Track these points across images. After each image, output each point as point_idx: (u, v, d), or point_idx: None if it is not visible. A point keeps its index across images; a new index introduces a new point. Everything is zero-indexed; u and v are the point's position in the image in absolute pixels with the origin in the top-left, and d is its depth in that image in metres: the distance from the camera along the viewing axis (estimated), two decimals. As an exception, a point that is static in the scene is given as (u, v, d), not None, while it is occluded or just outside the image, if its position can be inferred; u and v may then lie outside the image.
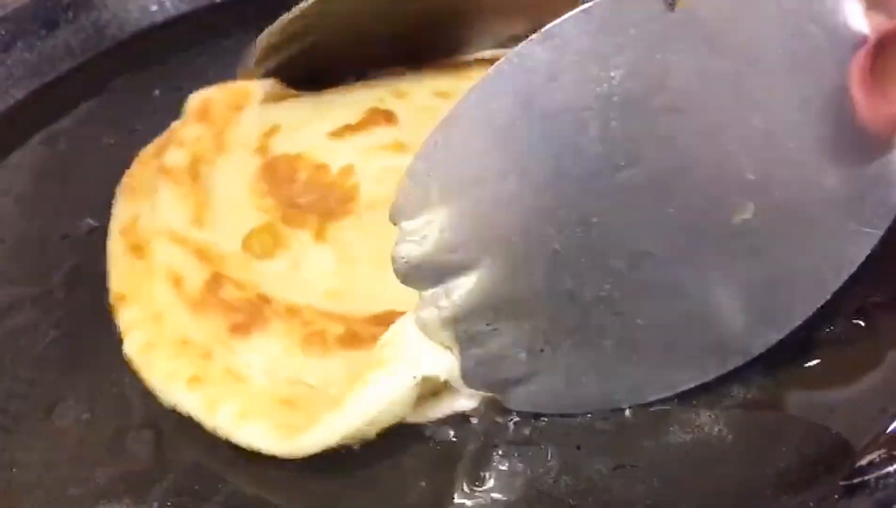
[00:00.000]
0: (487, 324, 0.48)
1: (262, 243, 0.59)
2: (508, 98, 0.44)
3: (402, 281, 0.48)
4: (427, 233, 0.47)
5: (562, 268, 0.47)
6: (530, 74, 0.43)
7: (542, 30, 0.43)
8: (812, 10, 0.43)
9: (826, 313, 0.50)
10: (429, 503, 0.49)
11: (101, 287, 0.60)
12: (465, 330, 0.49)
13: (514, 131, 0.45)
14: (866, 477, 0.45)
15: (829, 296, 0.49)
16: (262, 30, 0.68)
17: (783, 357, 0.51)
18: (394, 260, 0.47)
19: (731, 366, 0.50)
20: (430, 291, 0.48)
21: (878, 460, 0.46)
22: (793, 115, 0.45)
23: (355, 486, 0.50)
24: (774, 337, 0.50)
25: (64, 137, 0.74)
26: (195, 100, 0.68)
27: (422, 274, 0.48)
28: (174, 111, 0.71)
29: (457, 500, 0.48)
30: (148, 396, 0.55)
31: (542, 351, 0.49)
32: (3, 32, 0.75)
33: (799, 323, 0.49)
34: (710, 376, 0.50)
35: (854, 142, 0.45)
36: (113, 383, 0.56)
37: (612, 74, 0.43)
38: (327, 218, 0.59)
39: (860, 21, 0.43)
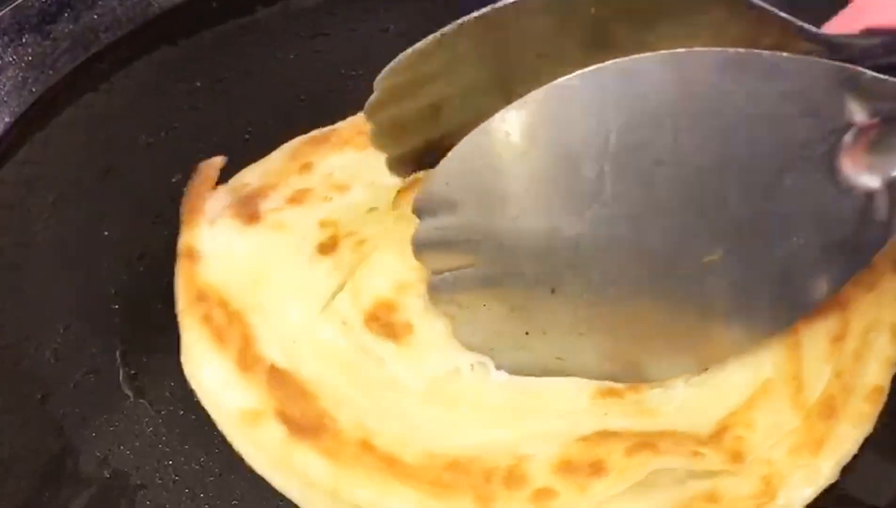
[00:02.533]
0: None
1: None
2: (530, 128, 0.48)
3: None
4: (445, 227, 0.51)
5: (546, 274, 0.52)
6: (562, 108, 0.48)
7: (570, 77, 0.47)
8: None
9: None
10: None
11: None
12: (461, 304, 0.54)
13: (524, 158, 0.49)
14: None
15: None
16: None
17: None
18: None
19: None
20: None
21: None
22: (774, 178, 0.48)
23: None
24: None
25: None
26: None
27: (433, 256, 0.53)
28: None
29: None
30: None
31: (526, 334, 0.54)
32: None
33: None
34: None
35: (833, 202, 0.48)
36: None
37: (610, 130, 0.48)
38: None
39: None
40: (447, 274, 0.54)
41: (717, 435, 0.52)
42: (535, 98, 0.48)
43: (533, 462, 0.51)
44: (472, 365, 0.55)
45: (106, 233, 0.66)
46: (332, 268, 0.58)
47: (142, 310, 0.61)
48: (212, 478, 0.54)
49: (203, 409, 0.57)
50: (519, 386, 0.55)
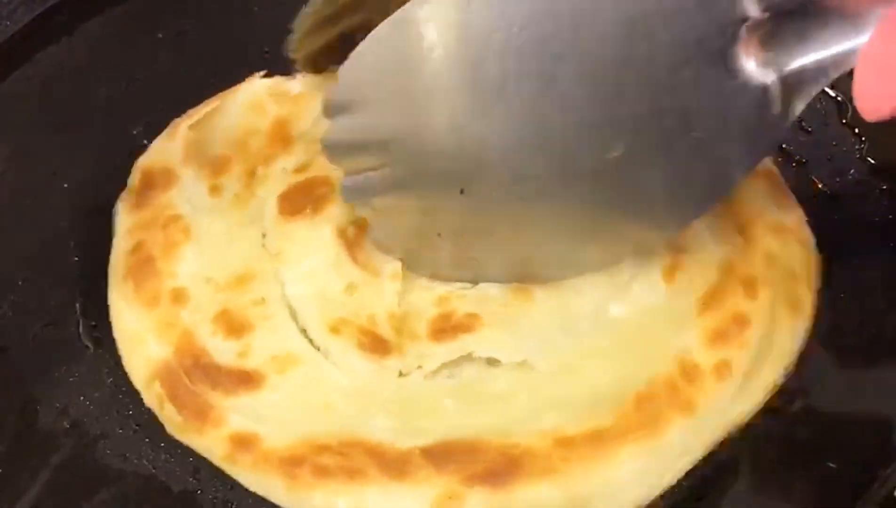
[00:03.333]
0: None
1: None
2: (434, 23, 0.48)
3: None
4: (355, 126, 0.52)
5: (455, 173, 0.52)
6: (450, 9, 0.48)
7: None
8: None
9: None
10: None
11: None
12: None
13: (429, 55, 0.49)
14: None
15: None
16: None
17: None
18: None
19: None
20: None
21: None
22: (672, 72, 0.48)
23: None
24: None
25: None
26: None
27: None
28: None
29: None
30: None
31: (439, 235, 0.55)
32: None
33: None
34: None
35: (733, 86, 0.48)
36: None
37: (512, 24, 0.48)
38: None
39: None
40: (361, 175, 0.54)
41: (748, 232, 0.58)
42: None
43: (692, 354, 0.53)
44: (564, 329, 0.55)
45: (65, 186, 0.65)
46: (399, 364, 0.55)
47: (101, 263, 0.61)
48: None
49: (163, 360, 0.56)
50: (615, 323, 0.56)
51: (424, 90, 0.50)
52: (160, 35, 0.74)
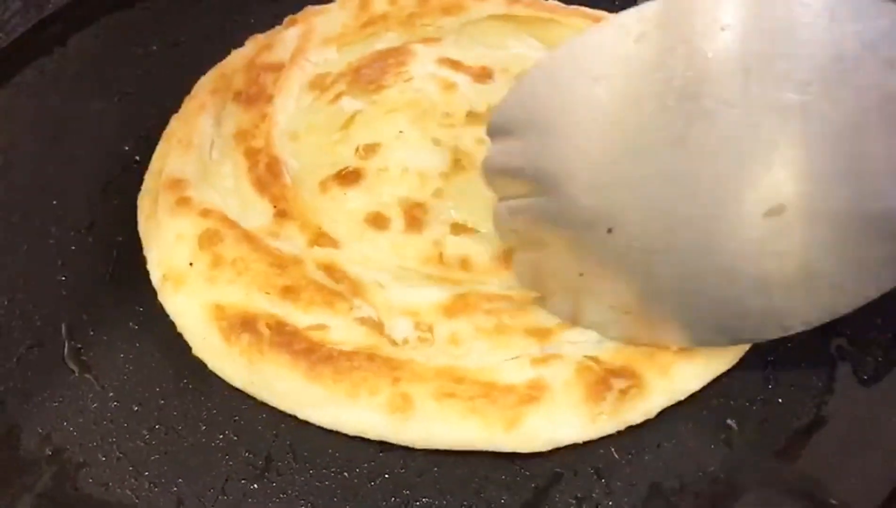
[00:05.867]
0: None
1: None
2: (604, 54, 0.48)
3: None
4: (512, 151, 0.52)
5: (603, 212, 0.50)
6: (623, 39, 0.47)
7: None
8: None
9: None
10: None
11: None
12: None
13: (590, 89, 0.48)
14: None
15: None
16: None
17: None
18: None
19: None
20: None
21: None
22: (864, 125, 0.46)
23: None
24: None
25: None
26: None
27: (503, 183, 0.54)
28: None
29: None
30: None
31: (581, 275, 0.53)
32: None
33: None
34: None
35: None
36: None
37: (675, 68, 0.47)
38: None
39: None
40: (511, 201, 0.53)
41: None
42: (601, 29, 0.48)
43: None
44: None
45: (54, 202, 0.64)
46: None
47: (89, 282, 0.60)
48: (156, 456, 0.52)
49: (149, 386, 0.55)
50: None
51: (582, 122, 0.49)
52: (154, 47, 0.72)
